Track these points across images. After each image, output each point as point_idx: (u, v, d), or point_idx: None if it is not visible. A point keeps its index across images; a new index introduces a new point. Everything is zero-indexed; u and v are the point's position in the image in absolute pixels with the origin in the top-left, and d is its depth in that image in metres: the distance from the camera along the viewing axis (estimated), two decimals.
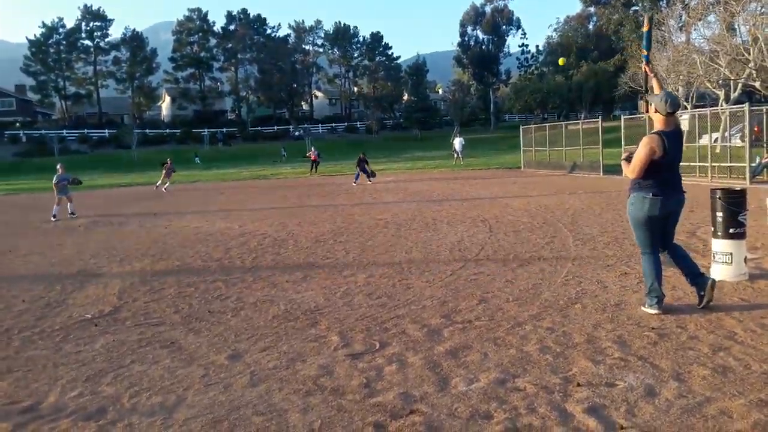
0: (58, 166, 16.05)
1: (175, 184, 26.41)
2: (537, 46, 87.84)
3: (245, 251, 9.02)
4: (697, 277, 4.88)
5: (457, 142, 35.93)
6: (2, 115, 72.85)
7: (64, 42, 75.75)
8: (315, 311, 5.51)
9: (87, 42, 77.53)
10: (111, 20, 78.77)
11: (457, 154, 35.54)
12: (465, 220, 11.25)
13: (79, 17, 77.07)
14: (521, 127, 30.20)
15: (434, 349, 4.32)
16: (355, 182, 22.48)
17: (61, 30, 75.82)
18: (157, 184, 25.08)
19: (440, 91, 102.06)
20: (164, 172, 24.91)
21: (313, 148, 34.62)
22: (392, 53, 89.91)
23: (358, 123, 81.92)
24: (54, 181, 15.55)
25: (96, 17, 77.39)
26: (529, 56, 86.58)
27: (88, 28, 77.34)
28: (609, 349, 4.13)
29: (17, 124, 69.44)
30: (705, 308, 4.87)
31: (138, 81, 78.81)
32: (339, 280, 6.73)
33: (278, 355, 4.37)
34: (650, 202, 4.68)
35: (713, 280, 4.91)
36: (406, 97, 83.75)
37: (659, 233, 4.83)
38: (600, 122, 22.83)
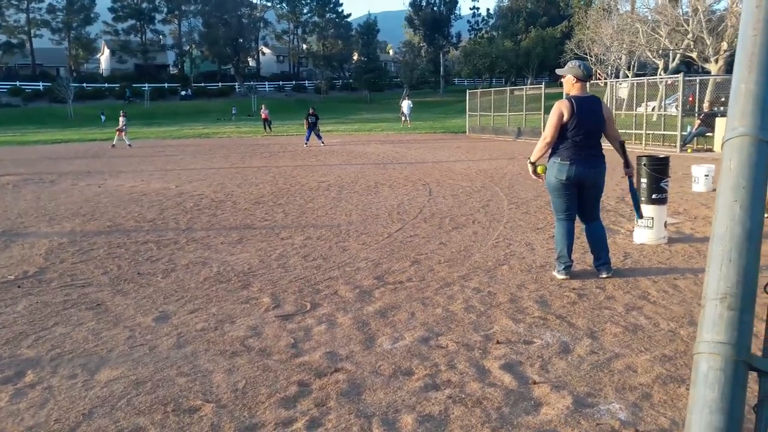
0: None
1: (109, 141, 25.35)
2: (488, 10, 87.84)
3: (180, 212, 8.84)
4: (598, 262, 4.98)
5: (405, 105, 35.91)
6: None
7: None
8: (248, 273, 5.49)
9: None
10: None
11: (405, 117, 35.54)
12: (407, 183, 11.33)
13: None
14: (467, 92, 30.35)
15: (364, 310, 4.39)
16: (306, 143, 22.07)
17: None
18: (114, 144, 23.94)
19: (391, 53, 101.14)
20: (120, 129, 23.84)
21: (263, 106, 33.93)
22: (342, 11, 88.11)
23: (307, 82, 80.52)
24: None
25: None
26: (479, 19, 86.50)
27: None
28: (530, 308, 4.30)
29: None
30: (623, 270, 5.12)
31: (75, 31, 74.68)
32: (275, 242, 6.71)
33: (207, 317, 4.35)
34: (559, 167, 4.73)
35: (607, 276, 4.93)
36: (356, 57, 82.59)
37: (574, 201, 4.84)
38: (543, 88, 23.17)
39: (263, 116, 32.45)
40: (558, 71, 5.03)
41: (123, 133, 23.94)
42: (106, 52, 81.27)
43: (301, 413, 2.95)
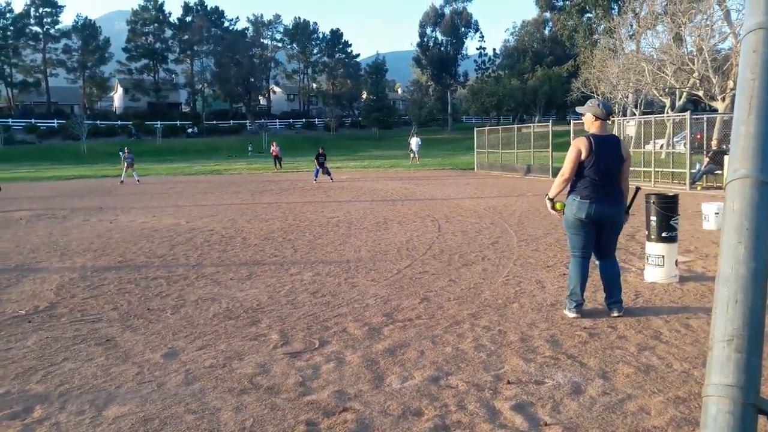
0: None
1: (118, 177, 25.68)
2: (494, 50, 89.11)
3: (191, 248, 8.89)
4: (610, 300, 4.96)
5: (414, 142, 36.22)
6: None
7: (11, 27, 72.76)
8: (257, 309, 5.49)
9: (36, 28, 74.71)
10: (62, 7, 76.17)
11: (414, 154, 35.82)
12: (416, 219, 11.36)
13: (28, 2, 74.18)
14: (475, 129, 30.63)
15: (373, 348, 4.37)
16: (315, 180, 22.29)
17: (8, 15, 72.82)
18: (122, 179, 24.44)
19: (399, 91, 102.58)
20: (125, 164, 24.44)
21: (274, 144, 34.36)
22: (352, 51, 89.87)
23: (317, 120, 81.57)
24: None
25: (46, 3, 74.61)
26: (486, 59, 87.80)
27: (38, 14, 74.55)
28: (541, 348, 4.26)
29: None
30: (634, 309, 5.09)
31: (89, 70, 76.46)
32: (284, 278, 6.72)
33: (215, 354, 4.34)
34: (579, 205, 4.74)
35: (618, 315, 4.89)
36: (365, 96, 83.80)
37: (591, 239, 4.85)
38: (550, 126, 23.36)
39: (274, 153, 32.87)
40: (578, 109, 5.08)
41: (131, 169, 24.36)
42: (120, 90, 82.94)
43: None
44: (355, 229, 10.40)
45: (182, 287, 6.43)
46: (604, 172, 4.71)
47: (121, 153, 47.59)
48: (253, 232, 10.36)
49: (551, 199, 4.94)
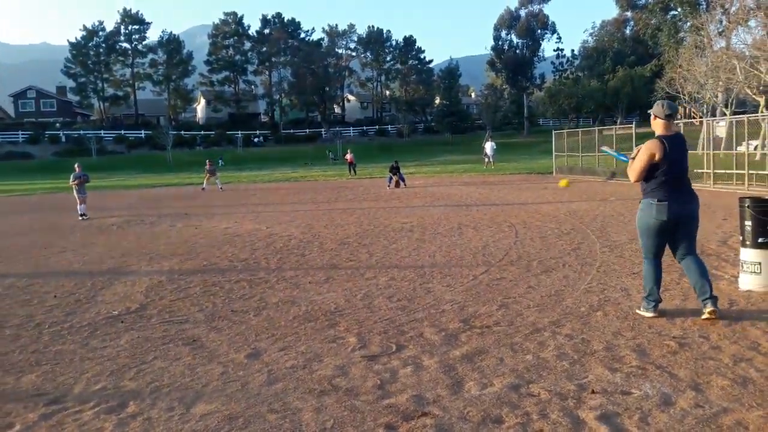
0: (76, 165, 16.75)
1: (210, 183, 26.86)
2: (572, 51, 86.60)
3: (271, 252, 9.15)
4: (704, 297, 4.75)
5: (489, 146, 35.73)
6: (44, 115, 75.32)
7: (103, 45, 77.73)
8: (335, 312, 5.57)
9: (125, 45, 79.46)
10: (149, 23, 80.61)
11: (489, 159, 35.35)
12: (492, 225, 11.20)
13: (118, 20, 79.07)
14: (554, 132, 29.88)
15: (450, 353, 4.33)
16: (388, 186, 22.48)
17: (101, 33, 77.83)
18: (204, 187, 25.85)
19: (473, 95, 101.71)
20: (206, 173, 25.86)
21: (349, 151, 34.90)
22: (425, 57, 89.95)
23: (390, 126, 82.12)
24: (72, 178, 16.19)
25: (134, 21, 79.25)
26: (564, 61, 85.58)
27: (127, 31, 79.24)
28: (627, 357, 4.08)
29: (57, 125, 71.60)
30: (728, 318, 4.79)
31: (174, 83, 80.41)
32: (360, 283, 6.78)
33: (296, 355, 4.43)
34: (657, 208, 4.71)
35: (714, 309, 4.70)
36: (438, 101, 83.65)
37: (666, 240, 4.84)
38: (633, 128, 22.45)
39: (349, 160, 33.37)
40: (649, 112, 5.00)
41: (213, 177, 25.72)
42: (202, 101, 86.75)
43: None
44: (429, 234, 10.37)
45: (264, 290, 6.62)
46: (677, 172, 4.72)
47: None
48: (329, 237, 10.53)
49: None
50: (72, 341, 5.06)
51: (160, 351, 4.70)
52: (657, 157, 4.64)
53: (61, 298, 6.67)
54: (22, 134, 67.08)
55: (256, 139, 72.97)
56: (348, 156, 33.80)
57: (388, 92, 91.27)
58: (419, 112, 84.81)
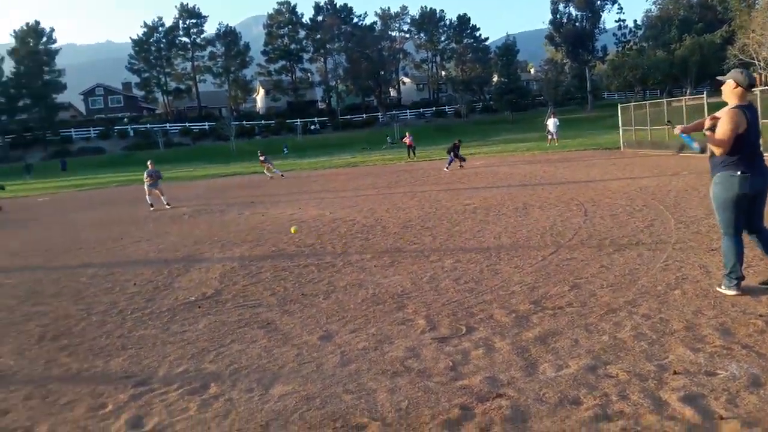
0: (149, 162, 17.71)
1: (270, 173, 27.42)
2: (635, 21, 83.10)
3: (336, 237, 9.27)
4: None
5: (551, 123, 34.79)
6: (112, 111, 78.80)
7: (163, 40, 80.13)
8: (402, 295, 5.59)
9: (185, 39, 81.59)
10: (206, 17, 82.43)
11: (552, 136, 34.44)
12: (558, 204, 10.94)
13: (177, 16, 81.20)
14: (619, 106, 28.77)
15: (522, 335, 4.28)
16: (447, 168, 22.33)
17: (160, 29, 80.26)
18: (270, 175, 26.51)
19: (532, 71, 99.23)
20: (265, 164, 26.50)
21: (408, 134, 34.77)
22: (480, 35, 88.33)
23: (447, 107, 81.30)
24: (145, 175, 17.15)
25: (192, 15, 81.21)
26: (626, 32, 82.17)
27: (185, 25, 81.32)
28: (710, 337, 3.92)
29: (125, 120, 74.70)
30: None
31: (233, 75, 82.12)
32: (426, 265, 6.78)
33: (367, 337, 4.49)
34: (739, 180, 4.53)
35: None
36: (496, 79, 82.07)
37: (745, 214, 4.65)
38: (705, 98, 21.34)
39: (408, 143, 33.23)
40: (719, 78, 4.79)
41: (271, 166, 26.33)
42: (261, 91, 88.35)
43: None
44: (493, 215, 10.24)
45: (331, 274, 6.72)
46: (755, 142, 4.59)
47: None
48: (391, 220, 10.57)
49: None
50: (153, 326, 5.30)
51: (236, 334, 4.86)
52: (741, 128, 4.46)
53: (141, 285, 6.99)
54: (94, 130, 70.43)
55: (312, 127, 73.82)
56: (407, 139, 33.68)
57: (444, 72, 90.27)
58: (477, 92, 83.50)
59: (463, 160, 22.61)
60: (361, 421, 3.18)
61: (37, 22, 71.79)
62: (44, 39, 71.70)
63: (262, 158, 27.07)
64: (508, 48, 78.50)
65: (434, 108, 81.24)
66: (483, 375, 3.65)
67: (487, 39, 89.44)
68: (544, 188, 13.75)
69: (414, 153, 32.90)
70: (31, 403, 3.82)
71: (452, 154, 22.47)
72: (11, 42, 71.65)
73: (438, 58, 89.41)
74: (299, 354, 4.26)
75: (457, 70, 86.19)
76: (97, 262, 8.82)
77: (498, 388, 3.44)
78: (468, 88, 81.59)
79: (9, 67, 69.23)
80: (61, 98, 74.17)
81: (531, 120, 63.29)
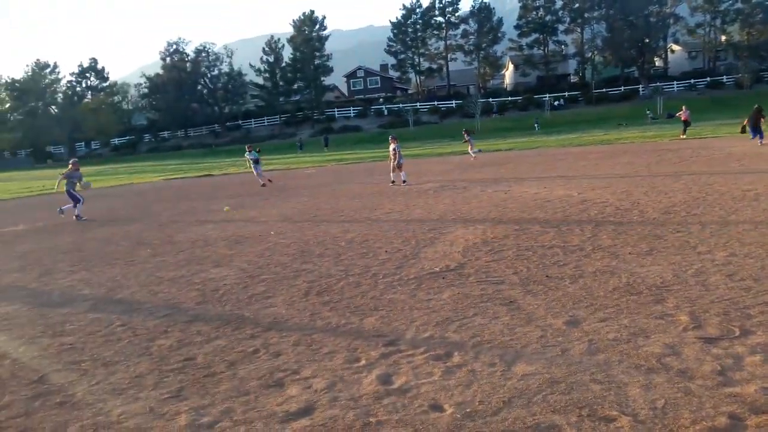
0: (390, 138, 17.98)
1: (512, 151, 27.09)
2: None
3: (584, 219, 8.79)
4: None
5: None
6: (370, 92, 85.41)
7: (420, 21, 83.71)
8: (661, 287, 5.09)
9: (439, 19, 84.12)
10: None
11: None
12: None
13: None
14: None
15: None
16: (761, 141, 19.66)
17: (417, 10, 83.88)
18: (473, 155, 26.05)
19: None
20: (468, 141, 26.09)
21: (684, 108, 31.19)
22: None
23: (725, 77, 71.00)
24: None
25: None
26: None
27: (441, 5, 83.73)
28: None
29: (380, 100, 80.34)
30: None
31: (484, 51, 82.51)
32: (691, 257, 6.06)
33: (618, 328, 4.19)
34: None
35: None
36: None
37: None
38: None
39: (683, 117, 29.72)
40: None
41: (472, 145, 25.80)
42: (510, 67, 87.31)
43: None
44: None
45: (579, 258, 6.41)
46: None
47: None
48: (650, 205, 9.65)
49: None
50: (402, 291, 5.65)
51: (479, 308, 4.92)
52: None
53: (391, 253, 7.50)
54: (353, 110, 77.34)
55: (556, 102, 70.67)
56: (682, 113, 30.08)
57: (723, 37, 78.73)
58: (766, 58, 71.35)
59: (761, 135, 19.58)
60: (610, 413, 2.99)
61: (312, 11, 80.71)
62: (317, 26, 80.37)
63: (467, 137, 26.61)
64: None
65: (708, 78, 71.61)
66: (759, 385, 3.16)
67: None
68: None
69: (685, 130, 29.36)
70: (299, 349, 4.37)
71: (753, 123, 19.64)
72: (290, 31, 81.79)
73: (718, 21, 78.22)
74: (543, 336, 4.16)
75: (742, 34, 74.42)
76: (355, 230, 9.68)
77: None
78: (755, 54, 70.11)
79: (287, 53, 79.44)
80: (327, 81, 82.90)
81: None
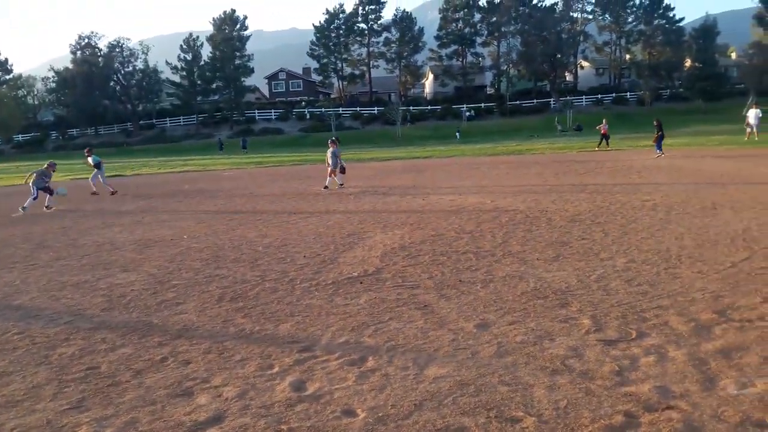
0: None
1: (430, 159, 27.66)
2: None
3: (496, 226, 9.10)
4: None
5: (752, 114, 30.86)
6: (292, 95, 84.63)
7: (343, 26, 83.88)
8: (566, 292, 5.34)
9: (362, 25, 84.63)
10: (384, 3, 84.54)
11: (751, 129, 30.60)
12: (755, 205, 9.72)
13: (357, 2, 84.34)
14: None
15: (701, 346, 3.88)
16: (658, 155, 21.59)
17: (341, 15, 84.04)
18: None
19: (733, 56, 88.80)
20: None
21: (604, 121, 32.72)
22: (674, 15, 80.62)
23: (628, 94, 75.68)
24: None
25: (371, 1, 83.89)
26: None
27: (364, 11, 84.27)
28: None
29: (303, 103, 79.77)
30: None
31: (405, 60, 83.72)
32: (594, 263, 6.40)
33: (526, 331, 4.35)
34: None
35: None
36: (688, 64, 74.59)
37: None
38: None
39: (603, 131, 31.22)
40: None
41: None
42: (430, 77, 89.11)
43: None
44: (675, 214, 9.36)
45: (490, 263, 6.62)
46: None
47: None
48: (558, 212, 10.13)
49: None
50: (319, 297, 5.62)
51: (394, 312, 4.98)
52: None
53: (310, 258, 7.45)
54: (275, 112, 76.31)
55: (468, 114, 72.54)
56: (602, 126, 31.59)
57: (628, 56, 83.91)
58: (664, 78, 76.65)
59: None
60: (516, 414, 3.10)
61: (233, 10, 79.03)
62: (238, 26, 78.79)
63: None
64: (707, 30, 70.77)
65: (614, 94, 76.08)
66: (653, 384, 3.37)
67: (681, 20, 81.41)
68: (737, 187, 12.28)
69: (607, 142, 30.91)
70: (210, 356, 4.25)
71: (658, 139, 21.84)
72: (209, 29, 79.65)
73: (623, 41, 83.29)
74: (455, 339, 4.26)
75: (644, 54, 79.68)
76: (273, 235, 9.54)
77: (669, 400, 3.16)
78: (655, 73, 75.21)
79: (207, 52, 77.39)
80: (248, 81, 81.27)
81: (726, 110, 56.70)
